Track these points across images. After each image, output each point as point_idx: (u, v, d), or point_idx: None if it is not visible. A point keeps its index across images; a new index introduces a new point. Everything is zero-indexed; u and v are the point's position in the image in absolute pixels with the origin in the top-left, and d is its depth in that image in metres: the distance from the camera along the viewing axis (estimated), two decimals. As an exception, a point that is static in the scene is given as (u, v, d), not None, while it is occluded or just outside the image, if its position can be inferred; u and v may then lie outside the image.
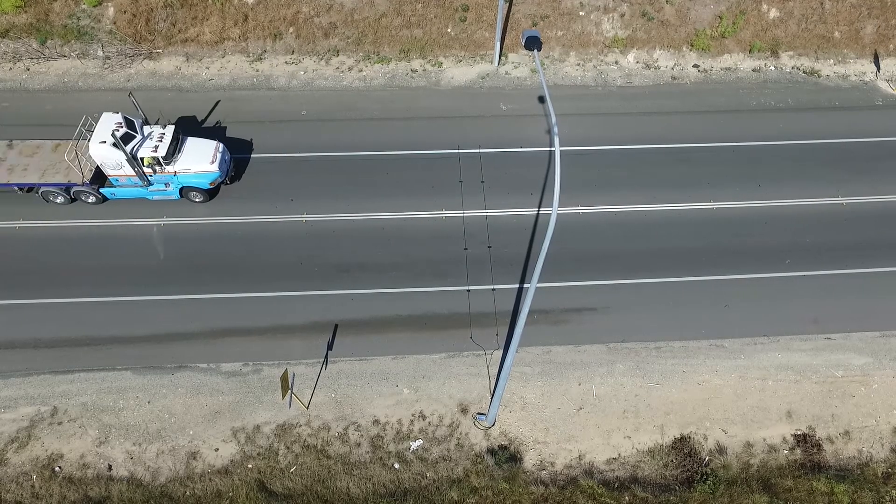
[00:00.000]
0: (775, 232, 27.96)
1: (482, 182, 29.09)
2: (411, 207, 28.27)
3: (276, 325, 24.63)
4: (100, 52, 33.45)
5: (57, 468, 21.31)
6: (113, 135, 25.28)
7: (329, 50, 34.31)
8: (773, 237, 27.77)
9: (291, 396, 22.03)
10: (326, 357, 23.94)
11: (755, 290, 26.10)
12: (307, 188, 28.62)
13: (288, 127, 31.09)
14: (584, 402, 23.30)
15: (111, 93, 32.29)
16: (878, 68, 35.14)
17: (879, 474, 21.71)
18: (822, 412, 23.27)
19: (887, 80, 34.74)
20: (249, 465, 21.53)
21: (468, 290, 25.74)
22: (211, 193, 28.05)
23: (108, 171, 26.58)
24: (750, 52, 35.23)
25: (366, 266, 26.34)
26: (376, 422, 22.58)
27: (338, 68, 33.97)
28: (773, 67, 35.13)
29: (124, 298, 25.07)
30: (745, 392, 23.61)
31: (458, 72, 34.20)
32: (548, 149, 30.32)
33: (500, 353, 24.12)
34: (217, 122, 31.07)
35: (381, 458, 21.81)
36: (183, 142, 27.50)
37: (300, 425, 22.39)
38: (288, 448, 21.90)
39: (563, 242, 26.85)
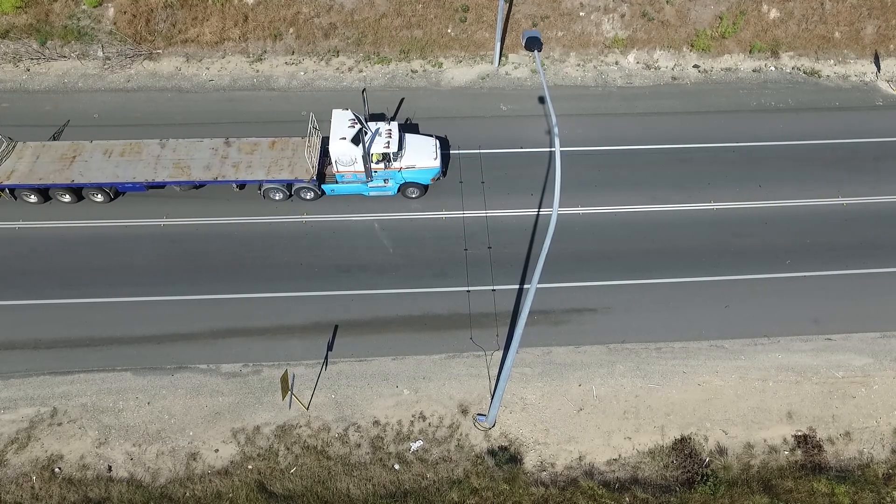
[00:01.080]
0: (775, 232, 27.94)
1: (482, 182, 29.07)
2: (412, 208, 28.25)
3: (276, 326, 24.61)
4: (100, 53, 33.45)
5: (57, 469, 21.29)
6: (361, 132, 25.51)
7: (329, 50, 34.31)
8: (773, 237, 27.75)
9: (291, 397, 22.02)
10: (326, 358, 23.92)
11: (755, 290, 26.08)
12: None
13: (288, 127, 31.03)
14: (584, 403, 23.27)
15: (111, 93, 32.30)
16: (879, 69, 35.14)
17: (880, 475, 21.68)
18: (822, 413, 23.24)
19: (887, 81, 34.73)
20: (249, 466, 21.51)
21: (468, 291, 25.72)
22: (426, 189, 28.35)
23: (339, 168, 26.76)
24: (750, 52, 35.23)
25: (366, 266, 26.33)
26: (376, 423, 22.55)
27: (338, 69, 33.97)
28: (773, 68, 35.12)
29: (124, 299, 25.05)
30: (745, 393, 23.59)
31: (459, 72, 34.19)
32: (548, 149, 30.31)
33: (501, 353, 24.10)
34: (407, 119, 31.36)
35: (381, 458, 21.79)
36: (402, 138, 27.59)
37: (300, 426, 22.37)
38: (288, 449, 21.88)
39: (564, 243, 26.85)
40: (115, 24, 33.47)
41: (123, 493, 20.77)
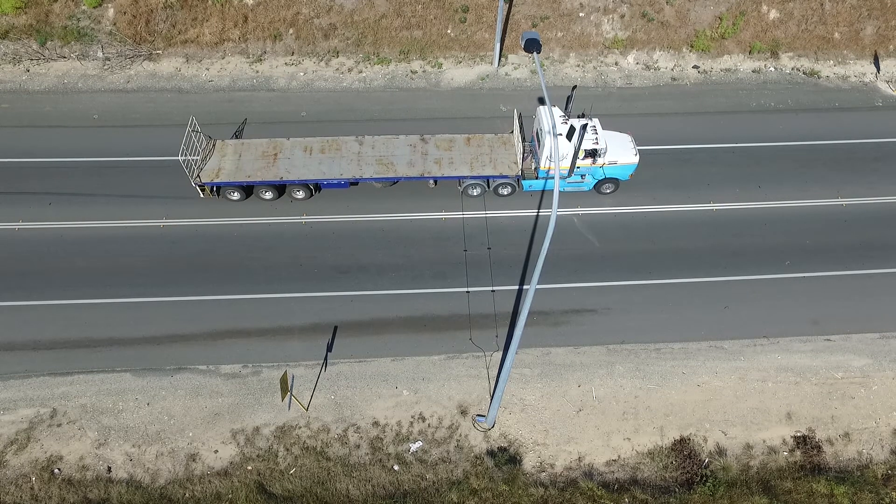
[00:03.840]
0: (775, 233, 27.95)
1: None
2: (411, 209, 28.26)
3: (276, 327, 24.62)
4: (100, 54, 33.46)
5: (56, 470, 21.30)
6: (584, 127, 25.56)
7: (329, 51, 34.32)
8: (772, 238, 27.76)
9: (291, 398, 22.03)
10: (326, 359, 23.92)
11: (755, 291, 26.09)
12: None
13: (288, 128, 31.07)
14: (583, 404, 23.28)
15: (111, 94, 32.32)
16: (878, 69, 35.14)
17: (879, 476, 21.67)
18: (821, 414, 23.25)
19: (887, 81, 34.74)
20: (249, 467, 21.52)
21: (468, 292, 25.73)
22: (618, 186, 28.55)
23: (546, 163, 27.05)
24: (750, 53, 35.23)
25: (366, 267, 26.34)
26: (376, 423, 22.56)
27: (337, 69, 33.98)
28: (772, 68, 35.13)
29: (124, 300, 25.06)
30: (744, 394, 23.59)
31: (458, 73, 34.20)
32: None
33: (500, 354, 24.11)
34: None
35: (380, 459, 21.79)
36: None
37: (299, 427, 22.37)
38: (287, 450, 21.88)
39: (563, 243, 26.87)
40: (114, 24, 33.48)
41: (123, 494, 20.77)
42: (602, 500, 20.71)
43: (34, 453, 21.62)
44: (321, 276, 26.01)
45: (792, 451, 22.48)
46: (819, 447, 22.49)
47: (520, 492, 20.93)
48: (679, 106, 32.93)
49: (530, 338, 24.00)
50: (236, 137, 29.81)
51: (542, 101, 32.43)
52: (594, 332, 24.88)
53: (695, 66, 34.99)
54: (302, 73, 33.72)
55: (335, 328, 24.64)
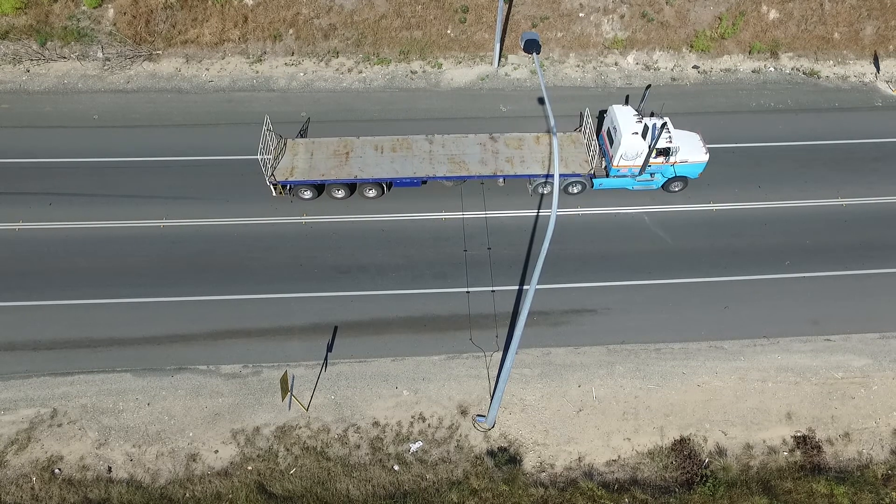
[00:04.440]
0: (775, 233, 27.96)
1: (482, 183, 29.09)
2: (411, 209, 28.28)
3: (276, 327, 24.63)
4: (100, 54, 33.48)
5: (56, 470, 21.31)
6: (662, 126, 25.78)
7: (329, 51, 34.33)
8: (772, 238, 27.78)
9: (291, 398, 22.03)
10: (326, 359, 23.93)
11: (755, 291, 26.10)
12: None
13: (288, 128, 31.09)
14: (583, 404, 23.29)
15: (111, 94, 32.34)
16: (878, 69, 35.16)
17: (879, 476, 21.68)
18: (821, 414, 23.26)
19: (887, 82, 34.76)
20: (249, 467, 21.53)
21: (468, 292, 25.74)
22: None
23: (622, 162, 27.20)
24: (749, 53, 35.25)
25: (366, 267, 26.35)
26: (376, 423, 22.57)
27: (337, 70, 33.99)
28: (772, 69, 35.15)
29: (124, 300, 25.08)
30: (744, 394, 23.60)
31: (458, 73, 34.22)
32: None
33: (500, 354, 24.12)
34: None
35: (380, 459, 21.80)
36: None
37: (300, 427, 22.38)
38: (287, 450, 21.89)
39: (563, 243, 26.88)
40: (114, 25, 33.49)
41: (123, 494, 20.78)
42: (602, 500, 20.72)
43: (35, 453, 21.62)
44: (321, 276, 26.02)
45: (792, 451, 22.49)
46: (819, 447, 22.50)
47: (520, 492, 20.94)
48: (679, 106, 32.86)
49: (530, 338, 24.01)
50: (301, 136, 29.76)
51: (541, 101, 32.47)
52: (594, 332, 24.89)
53: (694, 67, 35.01)
54: (302, 74, 33.73)
55: (335, 328, 24.65)
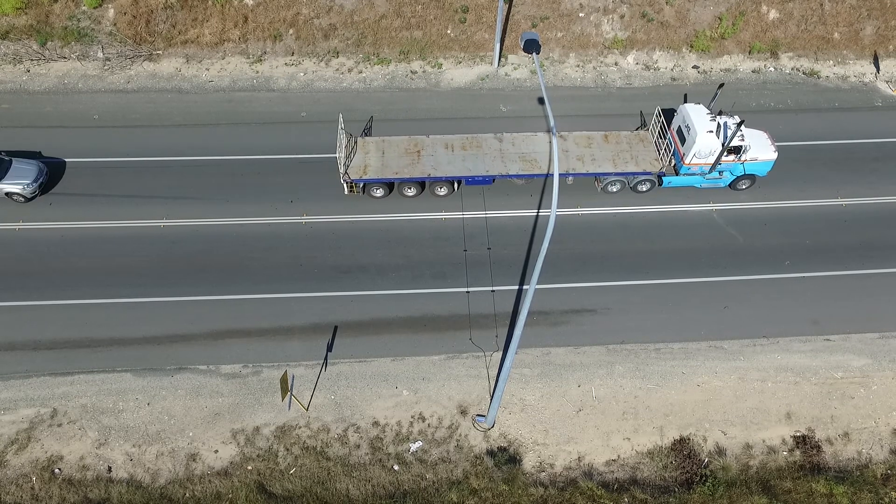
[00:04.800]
0: (775, 233, 27.97)
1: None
2: (411, 209, 28.29)
3: (276, 327, 24.65)
4: (100, 54, 33.49)
5: (56, 470, 21.33)
6: (739, 124, 25.86)
7: (329, 51, 34.34)
8: (772, 238, 27.78)
9: (291, 398, 22.05)
10: (326, 359, 23.95)
11: (755, 291, 26.11)
12: (307, 189, 28.64)
13: (288, 128, 31.14)
14: (583, 404, 23.30)
15: (111, 94, 32.36)
16: (878, 69, 35.16)
17: (878, 476, 21.68)
18: (821, 413, 23.27)
19: (887, 81, 34.76)
20: (249, 467, 21.54)
21: (468, 292, 25.75)
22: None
23: (694, 160, 27.40)
24: (749, 53, 35.25)
25: (366, 267, 26.36)
26: (376, 423, 22.58)
27: (337, 70, 34.01)
28: (772, 68, 35.15)
29: (124, 300, 25.09)
30: (744, 393, 23.61)
31: (458, 73, 34.23)
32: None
33: (500, 354, 24.13)
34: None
35: (380, 459, 21.82)
36: None
37: (300, 427, 22.40)
38: (287, 450, 21.91)
39: (563, 243, 26.89)
40: (115, 25, 33.51)
41: (123, 494, 20.80)
42: (602, 500, 20.73)
43: (35, 453, 21.64)
44: (321, 276, 26.03)
45: (791, 450, 22.50)
46: (818, 447, 22.51)
47: (519, 491, 20.95)
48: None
49: (530, 338, 24.03)
50: (365, 134, 29.83)
51: (541, 101, 32.48)
52: (594, 332, 24.91)
53: (694, 67, 35.01)
54: (302, 74, 33.75)
55: (335, 328, 24.67)
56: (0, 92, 32.21)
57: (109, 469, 21.43)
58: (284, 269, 26.18)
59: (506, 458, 21.82)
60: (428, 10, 34.27)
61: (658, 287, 26.09)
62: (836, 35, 35.34)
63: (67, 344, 23.99)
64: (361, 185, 27.91)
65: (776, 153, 28.04)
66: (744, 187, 29.13)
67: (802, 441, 22.61)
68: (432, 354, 24.18)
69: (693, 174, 28.22)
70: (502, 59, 34.59)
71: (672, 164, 28.59)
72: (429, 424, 22.63)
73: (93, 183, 28.48)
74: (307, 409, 22.77)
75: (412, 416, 22.74)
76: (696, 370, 24.11)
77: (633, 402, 23.35)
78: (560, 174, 27.56)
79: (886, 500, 20.93)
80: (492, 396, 22.14)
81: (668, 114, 29.33)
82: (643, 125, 30.82)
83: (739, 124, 25.80)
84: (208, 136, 30.61)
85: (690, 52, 35.20)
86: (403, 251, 26.90)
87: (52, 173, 28.48)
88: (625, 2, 34.70)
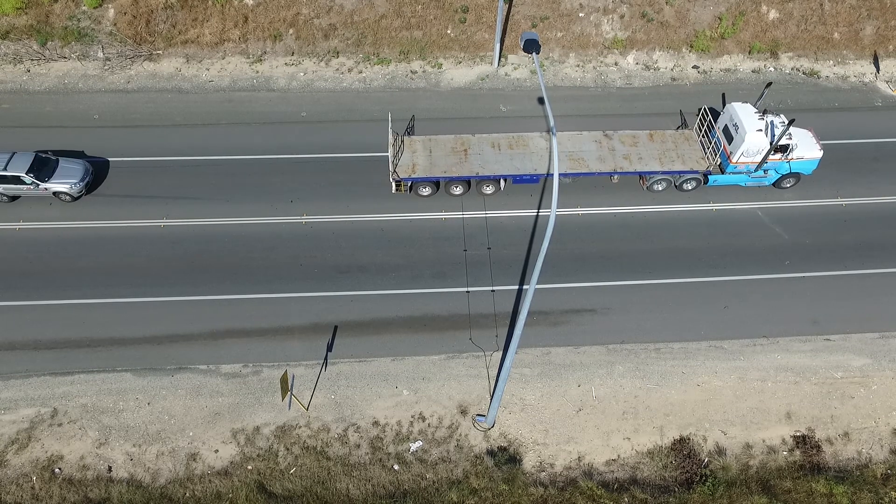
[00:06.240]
0: (775, 233, 27.97)
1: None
2: (411, 209, 28.30)
3: (276, 327, 24.65)
4: (100, 54, 33.51)
5: (57, 469, 21.34)
6: (790, 123, 25.84)
7: (329, 51, 34.35)
8: (772, 238, 27.79)
9: (291, 398, 22.05)
10: (326, 358, 23.96)
11: (754, 291, 26.11)
12: (307, 189, 28.65)
13: (288, 128, 31.15)
14: (583, 404, 23.31)
15: (112, 94, 32.37)
16: (878, 69, 35.17)
17: (878, 475, 21.67)
18: (821, 413, 23.27)
19: (887, 81, 34.77)
20: (249, 467, 21.55)
21: (468, 292, 25.76)
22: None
23: (743, 158, 27.52)
24: (749, 53, 35.26)
25: (366, 267, 26.37)
26: (376, 423, 22.59)
27: (337, 70, 34.02)
28: (772, 68, 35.16)
29: (124, 300, 25.10)
30: (744, 393, 23.62)
31: (458, 73, 34.24)
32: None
33: (500, 354, 24.14)
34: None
35: (380, 459, 21.83)
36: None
37: (300, 427, 22.41)
38: (287, 449, 21.92)
39: (563, 243, 26.91)
40: (115, 24, 33.52)
41: (123, 494, 20.81)
42: (601, 500, 20.74)
43: (35, 453, 21.65)
44: (321, 276, 26.04)
45: (791, 450, 22.50)
46: (818, 447, 22.51)
47: (519, 491, 20.96)
48: (679, 106, 32.94)
49: (530, 337, 24.04)
50: (409, 133, 29.82)
51: (541, 101, 32.48)
52: (594, 332, 24.91)
53: (694, 67, 35.03)
54: (302, 74, 33.76)
55: (335, 328, 24.68)
56: (0, 92, 32.23)
57: (110, 469, 21.44)
58: (284, 269, 26.19)
59: (506, 457, 21.83)
60: (428, 10, 34.28)
61: (658, 287, 26.10)
62: (836, 35, 35.35)
63: (67, 344, 24.00)
64: (409, 184, 28.01)
65: (822, 151, 28.15)
66: (788, 185, 29.22)
67: (802, 441, 22.61)
68: (432, 354, 24.18)
69: (739, 173, 28.33)
70: (502, 59, 34.60)
71: (718, 163, 28.68)
72: (429, 424, 22.63)
73: (93, 183, 28.48)
74: (307, 409, 22.78)
75: (412, 416, 22.75)
76: (696, 370, 24.12)
77: (633, 402, 23.36)
78: (607, 173, 27.97)
79: (886, 499, 20.93)
80: (492, 396, 22.15)
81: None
82: (684, 124, 30.89)
83: (789, 123, 25.79)
84: (208, 136, 30.64)
85: (690, 52, 35.21)
86: (403, 251, 26.91)
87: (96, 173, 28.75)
88: (625, 2, 34.71)
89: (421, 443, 22.20)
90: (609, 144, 28.52)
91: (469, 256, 26.77)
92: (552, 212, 14.55)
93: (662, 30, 34.94)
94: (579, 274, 26.33)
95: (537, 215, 28.26)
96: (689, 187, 28.92)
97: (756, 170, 28.08)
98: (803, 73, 34.96)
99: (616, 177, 28.82)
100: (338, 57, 34.38)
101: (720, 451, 22.38)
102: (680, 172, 28.11)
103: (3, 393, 22.85)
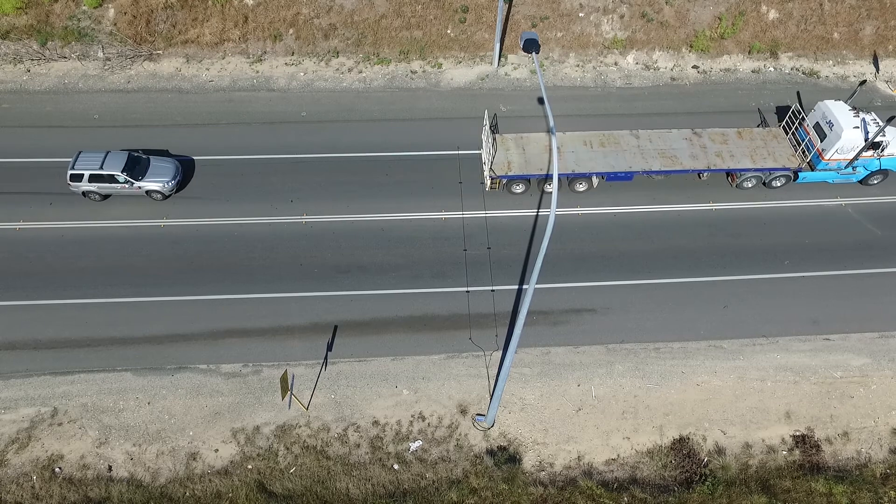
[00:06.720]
0: (774, 233, 27.99)
1: (482, 183, 29.13)
2: (411, 209, 28.32)
3: (276, 326, 24.68)
4: (100, 54, 33.53)
5: (57, 469, 21.35)
6: (890, 120, 25.93)
7: (329, 51, 34.37)
8: (772, 238, 27.81)
9: (291, 397, 22.07)
10: (326, 358, 23.98)
11: (754, 290, 26.13)
12: (307, 189, 28.67)
13: (288, 128, 31.17)
14: (583, 403, 23.33)
15: (112, 94, 32.39)
16: (877, 69, 35.18)
17: (878, 475, 21.71)
18: (820, 413, 23.29)
19: (886, 81, 34.78)
20: (249, 466, 21.57)
21: (467, 291, 25.78)
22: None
23: (836, 155, 27.75)
24: (749, 53, 35.28)
25: (365, 267, 26.39)
26: (376, 423, 22.61)
27: (337, 70, 34.04)
28: (772, 68, 35.17)
29: (124, 299, 25.12)
30: (743, 393, 23.64)
31: (458, 73, 34.25)
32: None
33: (500, 353, 24.15)
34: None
35: (380, 458, 21.85)
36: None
37: (300, 426, 22.43)
38: (287, 449, 21.94)
39: (563, 243, 26.92)
40: (115, 24, 33.54)
41: (123, 493, 20.83)
42: (601, 499, 20.76)
43: (35, 452, 21.67)
44: (321, 276, 26.06)
45: (791, 450, 22.52)
46: (818, 446, 22.53)
47: (519, 491, 20.98)
48: (679, 106, 32.98)
49: (530, 337, 24.06)
50: (493, 131, 29.75)
51: (541, 101, 32.49)
52: (594, 332, 24.93)
53: (694, 67, 35.04)
54: (302, 74, 33.78)
55: (335, 328, 24.70)
56: (0, 92, 32.25)
57: (110, 468, 21.46)
58: (284, 269, 26.21)
59: (505, 457, 21.85)
60: (428, 10, 34.30)
61: (658, 287, 26.12)
62: (835, 35, 35.37)
63: (68, 343, 24.02)
64: (505, 181, 28.15)
65: None
66: (875, 182, 29.47)
67: (802, 440, 22.63)
68: (432, 354, 24.20)
69: (829, 170, 28.57)
70: (502, 58, 34.62)
71: (807, 161, 28.81)
72: (429, 424, 22.65)
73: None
74: (307, 409, 22.80)
75: (412, 416, 22.77)
76: (696, 370, 24.14)
77: (633, 402, 23.38)
78: (701, 170, 28.18)
79: (885, 499, 20.96)
80: (491, 396, 22.17)
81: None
82: (763, 122, 31.06)
83: (888, 121, 25.97)
84: (208, 135, 30.66)
85: (690, 52, 35.23)
86: (403, 251, 26.93)
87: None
88: (625, 2, 34.73)
89: (421, 442, 22.22)
90: (700, 142, 28.75)
91: (469, 256, 26.79)
92: (552, 212, 14.57)
93: (662, 30, 34.96)
94: (579, 274, 26.35)
95: (537, 215, 28.28)
96: (779, 184, 29.16)
97: (846, 167, 28.29)
98: (803, 73, 34.97)
99: (706, 174, 29.08)
100: (338, 57, 34.40)
101: (720, 451, 22.40)
102: (772, 169, 28.30)
103: (4, 392, 22.87)
